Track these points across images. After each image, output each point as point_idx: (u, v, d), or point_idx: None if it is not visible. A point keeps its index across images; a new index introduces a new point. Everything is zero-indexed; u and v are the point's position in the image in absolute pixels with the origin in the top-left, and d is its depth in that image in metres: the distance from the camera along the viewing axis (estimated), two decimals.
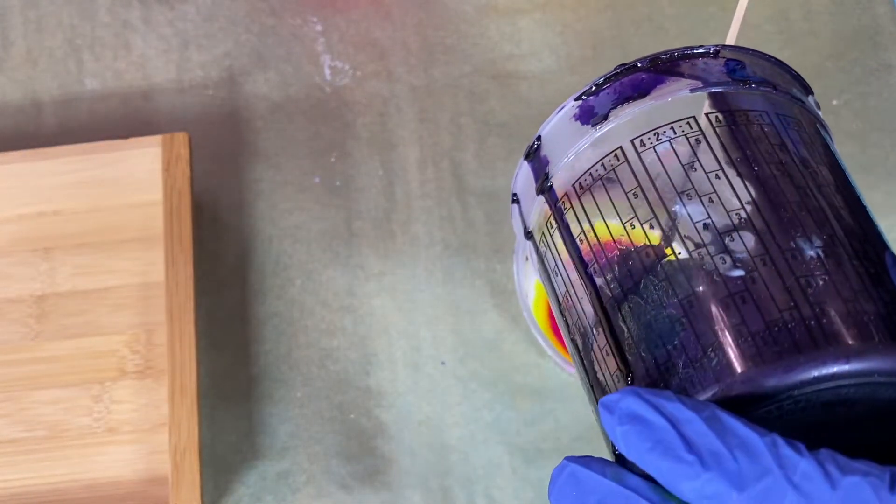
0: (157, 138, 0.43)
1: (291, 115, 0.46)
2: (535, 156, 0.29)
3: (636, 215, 0.24)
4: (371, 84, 0.46)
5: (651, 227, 0.24)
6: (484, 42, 0.47)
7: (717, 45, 0.27)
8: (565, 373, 0.41)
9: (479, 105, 0.46)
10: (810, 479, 0.19)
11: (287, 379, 0.43)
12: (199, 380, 0.39)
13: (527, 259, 0.41)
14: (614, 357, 0.24)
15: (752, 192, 0.24)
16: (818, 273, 0.22)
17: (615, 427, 0.21)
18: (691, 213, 0.24)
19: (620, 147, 0.26)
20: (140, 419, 0.41)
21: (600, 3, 0.47)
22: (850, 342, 0.21)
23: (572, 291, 0.26)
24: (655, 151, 0.25)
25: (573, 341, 0.27)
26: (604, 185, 0.26)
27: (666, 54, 0.27)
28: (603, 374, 0.25)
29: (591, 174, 0.26)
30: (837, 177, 0.25)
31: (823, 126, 0.28)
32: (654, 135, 0.25)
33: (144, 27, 0.48)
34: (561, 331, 0.28)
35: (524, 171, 0.30)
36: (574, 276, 0.26)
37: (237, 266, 0.44)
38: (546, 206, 0.28)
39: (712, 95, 0.25)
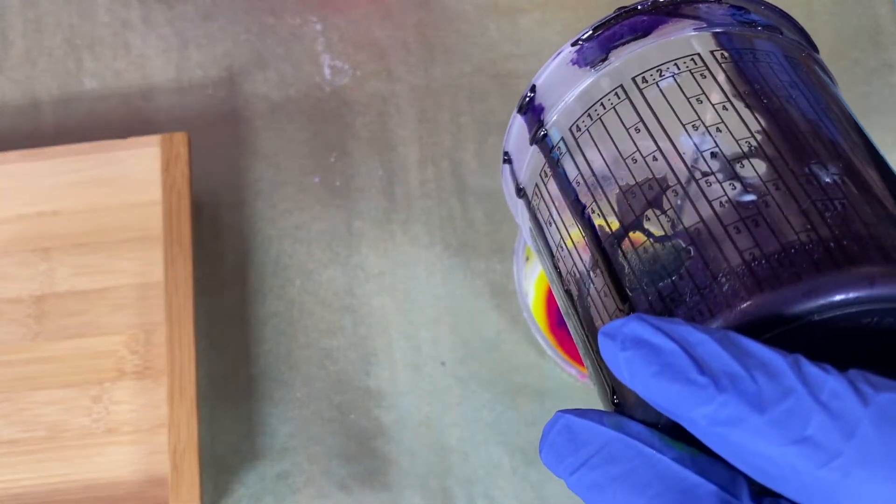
0: (157, 138, 0.42)
1: (291, 114, 0.46)
2: (528, 107, 0.28)
3: (638, 149, 0.23)
4: (371, 84, 0.46)
5: (654, 159, 0.23)
6: (484, 41, 0.47)
7: None
8: (565, 373, 0.41)
9: (479, 105, 0.46)
10: (839, 397, 0.17)
11: (287, 379, 0.43)
12: (198, 380, 0.39)
13: (527, 259, 0.41)
14: (613, 296, 0.22)
15: (763, 122, 0.22)
16: (836, 198, 0.21)
17: (617, 354, 0.19)
18: (697, 142, 0.22)
19: (621, 85, 0.24)
20: (139, 420, 0.41)
21: (600, 3, 0.47)
22: (875, 265, 0.19)
23: (567, 239, 0.25)
24: (658, 87, 0.24)
25: (567, 292, 0.25)
26: (603, 124, 0.24)
27: (672, 2, 0.25)
28: (601, 319, 0.23)
29: (589, 115, 0.25)
30: (848, 117, 0.24)
31: (831, 78, 0.27)
32: (657, 71, 0.24)
33: (144, 27, 0.48)
34: (552, 288, 0.26)
35: (517, 125, 0.28)
36: (570, 221, 0.25)
37: (237, 266, 0.44)
38: (540, 156, 0.26)
39: (717, 35, 0.24)
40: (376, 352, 0.43)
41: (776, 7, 0.27)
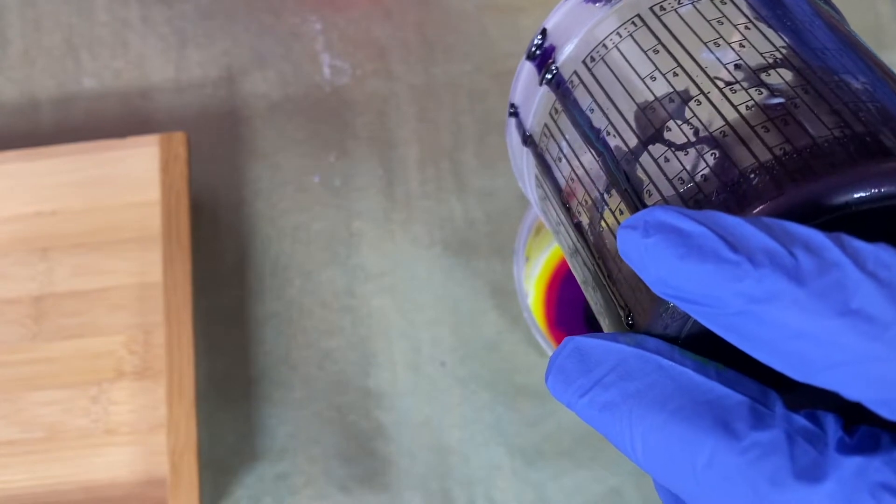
0: (155, 137, 0.42)
1: (291, 114, 0.46)
2: (538, 51, 0.26)
3: (657, 67, 0.22)
4: (371, 83, 0.46)
5: (675, 74, 0.21)
6: (484, 40, 0.46)
7: None
8: None
9: (479, 104, 0.46)
10: (888, 267, 0.15)
11: (286, 380, 0.43)
12: (197, 381, 0.39)
13: (527, 259, 0.41)
14: (631, 210, 0.21)
15: (787, 39, 0.21)
16: (867, 101, 0.20)
17: (639, 242, 0.17)
18: (720, 56, 0.21)
19: (638, 14, 0.23)
20: (138, 420, 0.41)
21: None
22: None
23: (580, 169, 0.24)
24: (678, 13, 0.23)
25: (577, 225, 0.24)
26: (619, 51, 0.23)
27: None
28: (615, 239, 0.22)
29: (604, 44, 0.24)
30: (869, 51, 0.23)
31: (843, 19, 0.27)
32: None
33: (143, 26, 0.48)
34: (556, 230, 0.25)
35: (526, 72, 0.27)
36: (581, 149, 0.23)
37: (236, 266, 0.44)
38: (550, 95, 0.25)
39: None
40: (376, 352, 0.43)
41: None
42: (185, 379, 0.39)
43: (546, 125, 0.26)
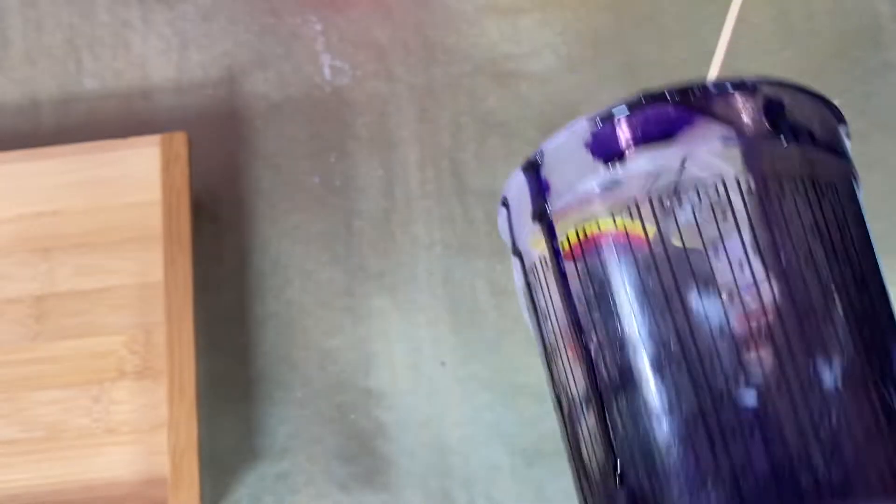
0: (156, 138, 0.42)
1: (291, 114, 0.46)
2: (534, 172, 0.25)
3: (648, 301, 0.22)
4: (371, 84, 0.46)
5: (663, 316, 0.21)
6: (484, 41, 0.47)
7: (755, 79, 0.23)
8: None
9: (479, 105, 0.46)
10: None
11: (286, 379, 0.43)
12: (198, 380, 0.39)
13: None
14: (604, 450, 0.22)
15: (776, 293, 0.21)
16: (833, 408, 0.20)
17: None
18: (708, 310, 0.21)
19: (636, 201, 0.22)
20: (139, 420, 0.41)
21: (600, 3, 0.47)
22: (857, 499, 0.19)
23: (563, 351, 0.24)
24: (675, 220, 0.22)
25: (556, 397, 0.24)
26: (613, 246, 0.22)
27: (699, 88, 0.23)
28: (589, 457, 0.23)
29: (598, 224, 0.23)
30: (865, 259, 0.23)
31: (854, 176, 0.26)
32: (676, 196, 0.22)
33: (144, 27, 0.48)
34: (545, 374, 0.25)
35: (519, 181, 0.26)
36: (567, 336, 0.24)
37: (236, 266, 0.44)
38: (542, 238, 0.25)
39: (745, 153, 0.22)
40: (376, 352, 0.43)
41: (808, 89, 0.24)
42: (186, 378, 0.39)
43: (536, 267, 0.25)
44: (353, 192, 0.45)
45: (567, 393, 0.24)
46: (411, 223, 0.44)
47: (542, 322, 0.25)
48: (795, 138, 0.23)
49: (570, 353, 0.24)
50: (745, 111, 0.23)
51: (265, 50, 0.47)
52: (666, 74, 0.45)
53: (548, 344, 0.25)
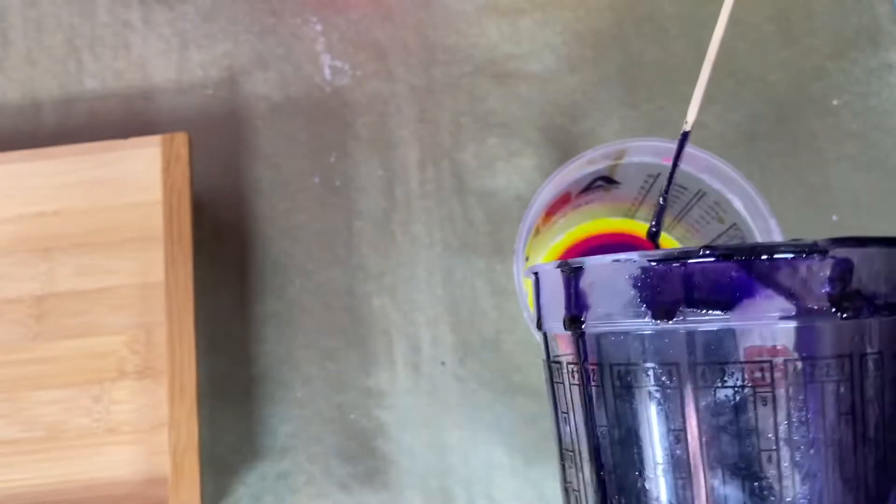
0: (157, 138, 0.43)
1: (291, 114, 0.46)
2: (572, 278, 0.24)
3: (671, 465, 0.21)
4: (371, 84, 0.46)
5: (684, 488, 0.21)
6: (484, 42, 0.47)
7: (826, 243, 0.21)
8: None
9: (479, 105, 0.46)
10: None
11: (287, 379, 0.43)
12: (198, 380, 0.39)
13: (527, 259, 0.41)
14: None
15: (798, 490, 0.20)
16: None
17: None
18: (728, 495, 0.20)
19: (677, 367, 0.21)
20: (139, 420, 0.41)
21: (600, 3, 0.47)
22: None
23: (580, 467, 0.23)
24: (714, 396, 0.21)
25: (565, 489, 0.24)
26: (650, 398, 0.21)
27: (767, 253, 0.21)
28: None
29: (632, 369, 0.22)
30: (889, 435, 0.22)
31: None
32: (721, 371, 0.21)
33: (144, 27, 0.48)
34: (557, 461, 0.25)
35: (552, 273, 0.24)
36: (585, 455, 0.23)
37: (237, 266, 0.44)
38: (572, 349, 0.23)
39: (800, 334, 0.21)
40: (376, 352, 0.43)
41: (886, 239, 0.22)
42: (187, 378, 0.39)
43: (561, 368, 0.24)
44: (353, 192, 0.45)
45: (575, 491, 0.24)
46: (411, 223, 0.44)
47: (559, 415, 0.24)
48: (855, 314, 0.21)
49: (584, 474, 0.23)
50: (810, 280, 0.21)
51: (265, 50, 0.47)
52: (666, 74, 0.45)
53: (563, 442, 0.24)
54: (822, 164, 0.44)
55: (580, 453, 0.23)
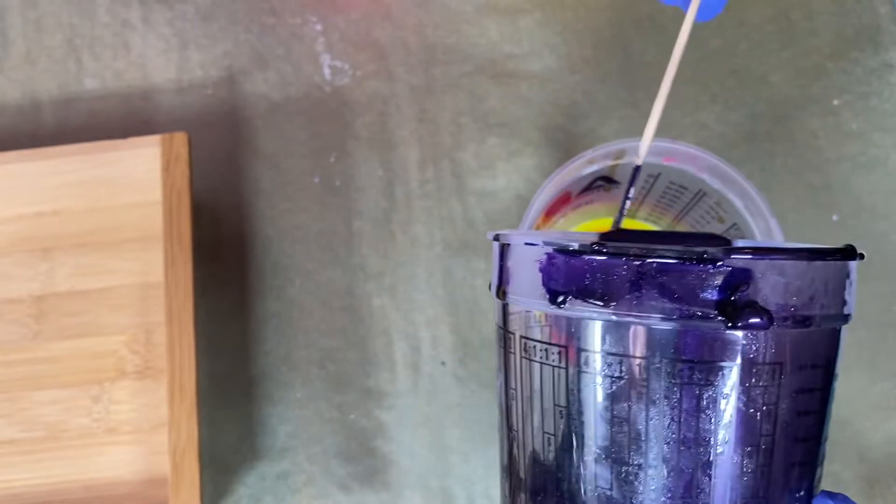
0: (157, 138, 0.42)
1: (291, 114, 0.46)
2: (503, 251, 0.25)
3: (560, 437, 0.22)
4: (371, 84, 0.46)
5: (566, 458, 0.22)
6: (484, 42, 0.47)
7: (720, 252, 0.21)
8: None
9: (479, 105, 0.46)
10: None
11: (287, 379, 0.43)
12: (198, 380, 0.39)
13: None
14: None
15: (663, 482, 0.21)
16: None
17: None
18: (598, 474, 0.22)
19: (566, 350, 0.22)
20: (139, 420, 0.41)
21: (600, 3, 0.47)
22: None
23: (503, 421, 0.25)
24: (594, 383, 0.22)
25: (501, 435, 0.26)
26: (540, 372, 0.23)
27: (658, 256, 0.21)
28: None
29: (531, 344, 0.23)
30: (782, 445, 0.22)
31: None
32: (603, 360, 0.22)
33: (144, 27, 0.48)
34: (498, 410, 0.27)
35: (495, 245, 0.26)
36: (504, 410, 0.25)
37: (236, 266, 0.44)
38: (500, 315, 0.25)
39: (679, 333, 0.21)
40: (376, 352, 0.43)
41: (802, 252, 0.22)
42: (187, 378, 0.39)
43: (513, 335, 0.25)
44: (353, 192, 0.45)
45: (505, 436, 0.26)
46: (411, 223, 0.44)
47: (497, 371, 0.26)
48: (748, 320, 0.21)
49: (503, 421, 0.25)
50: (697, 287, 0.21)
51: (265, 50, 0.47)
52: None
53: (499, 393, 0.26)
54: (822, 164, 0.44)
55: (502, 408, 0.25)
